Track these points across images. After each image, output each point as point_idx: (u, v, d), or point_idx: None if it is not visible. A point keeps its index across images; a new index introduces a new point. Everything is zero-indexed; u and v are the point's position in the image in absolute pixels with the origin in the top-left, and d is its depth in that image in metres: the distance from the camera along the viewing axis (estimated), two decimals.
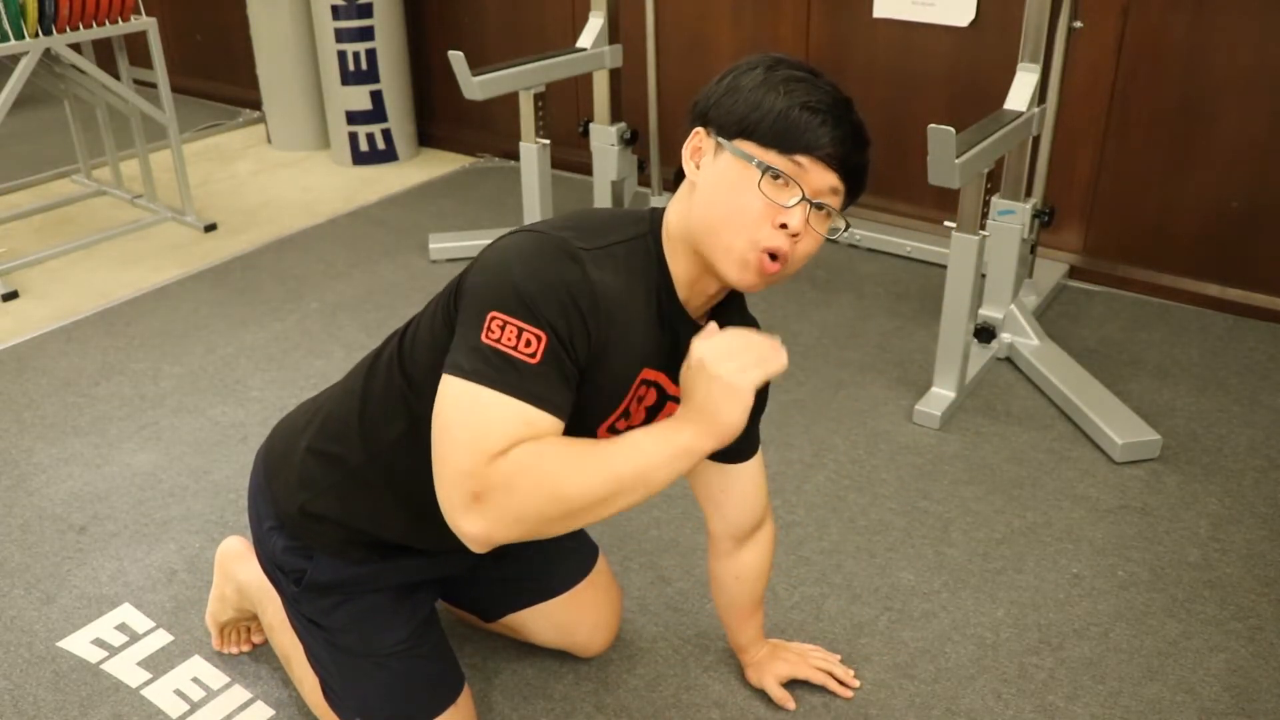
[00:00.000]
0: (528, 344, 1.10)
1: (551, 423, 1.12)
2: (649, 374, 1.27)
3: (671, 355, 1.27)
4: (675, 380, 1.30)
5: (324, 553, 1.43)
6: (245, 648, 1.76)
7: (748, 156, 1.15)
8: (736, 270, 1.18)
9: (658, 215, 1.26)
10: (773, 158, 1.15)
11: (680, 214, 1.23)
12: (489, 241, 1.24)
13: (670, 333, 1.26)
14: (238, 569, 1.69)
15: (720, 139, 1.18)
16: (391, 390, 1.33)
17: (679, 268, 1.24)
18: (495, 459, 1.08)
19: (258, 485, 1.52)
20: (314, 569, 1.44)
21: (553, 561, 1.66)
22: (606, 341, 1.17)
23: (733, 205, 1.16)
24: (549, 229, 1.19)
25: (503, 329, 1.10)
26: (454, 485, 1.09)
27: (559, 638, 1.69)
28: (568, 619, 1.67)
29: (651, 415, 1.32)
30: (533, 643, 1.72)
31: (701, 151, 1.21)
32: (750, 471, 1.48)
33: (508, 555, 1.49)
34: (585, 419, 1.23)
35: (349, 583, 1.44)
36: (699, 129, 1.22)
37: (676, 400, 1.31)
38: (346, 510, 1.41)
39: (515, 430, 1.09)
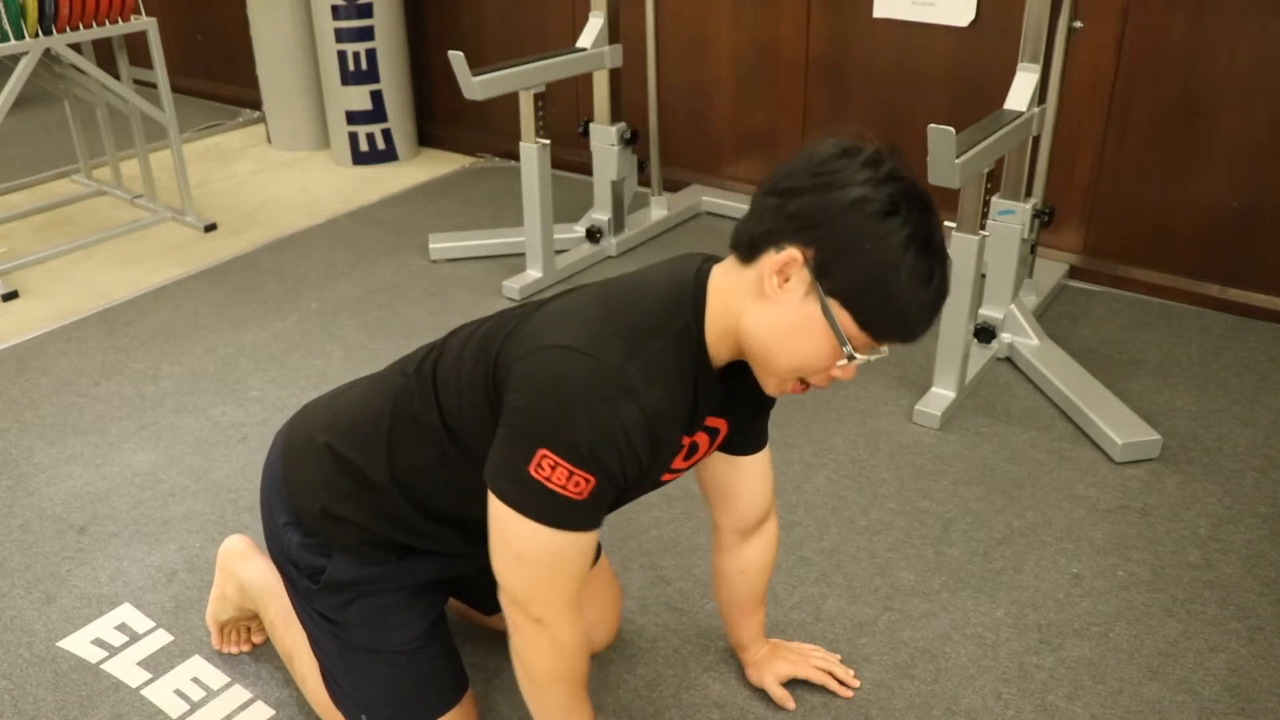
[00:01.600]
0: (576, 485, 1.15)
1: (593, 537, 1.24)
2: (684, 440, 1.30)
3: (697, 411, 1.28)
4: (705, 414, 1.31)
5: (342, 552, 1.44)
6: (245, 647, 1.76)
7: (841, 338, 1.15)
8: (771, 387, 1.24)
9: (701, 284, 1.22)
10: (863, 340, 1.16)
11: (740, 314, 1.20)
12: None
13: (700, 396, 1.26)
14: (240, 567, 1.69)
15: (820, 288, 1.13)
16: (424, 425, 1.35)
17: (721, 347, 1.23)
18: (570, 612, 1.25)
19: (273, 480, 1.52)
20: (333, 568, 1.44)
21: None
22: (655, 454, 1.20)
23: (800, 355, 1.18)
24: (600, 349, 1.15)
25: (553, 469, 1.14)
26: (526, 601, 1.24)
27: None
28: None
29: (692, 453, 1.35)
30: None
31: (788, 278, 1.15)
32: (758, 464, 1.50)
33: None
34: (628, 495, 1.30)
35: (365, 581, 1.44)
36: (796, 253, 1.13)
37: (706, 430, 1.34)
38: (367, 515, 1.41)
39: (578, 564, 1.24)
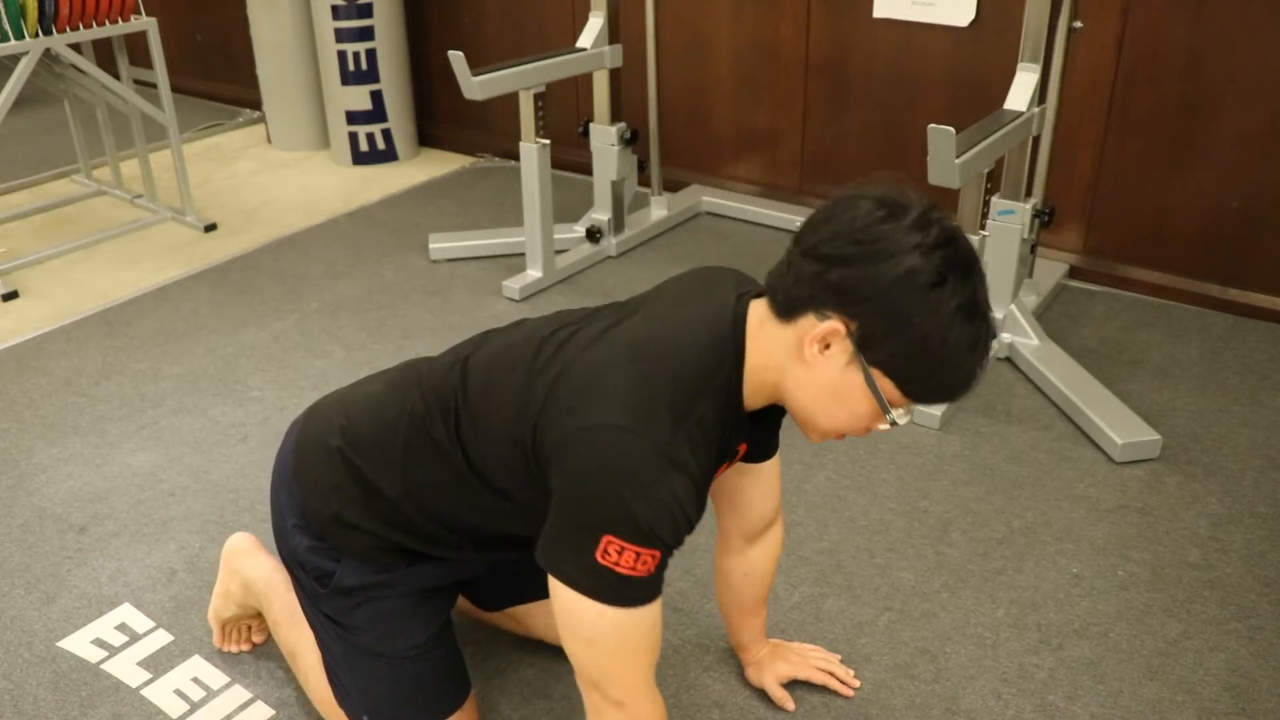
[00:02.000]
0: (644, 563, 1.16)
1: (659, 605, 1.23)
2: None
3: (729, 448, 1.28)
4: (735, 446, 1.31)
5: (351, 557, 1.43)
6: (245, 646, 1.76)
7: (884, 406, 1.15)
8: (814, 438, 1.25)
9: (740, 331, 1.20)
10: (905, 402, 1.16)
11: (780, 374, 1.19)
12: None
13: (732, 436, 1.27)
14: (245, 564, 1.69)
15: (863, 358, 1.12)
16: (442, 449, 1.33)
17: (758, 396, 1.23)
18: (649, 689, 1.26)
19: (283, 478, 1.51)
20: (342, 573, 1.43)
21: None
22: (702, 507, 1.21)
23: (842, 419, 1.19)
24: (647, 424, 1.13)
25: (620, 553, 1.14)
26: (604, 684, 1.24)
27: (534, 628, 1.71)
28: (544, 618, 1.69)
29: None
30: (529, 634, 1.73)
31: (830, 346, 1.13)
32: (769, 470, 1.49)
33: (525, 547, 1.54)
34: None
35: (374, 586, 1.44)
36: (839, 325, 1.11)
37: (730, 455, 1.33)
38: (377, 522, 1.41)
39: (652, 637, 1.24)
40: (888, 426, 1.18)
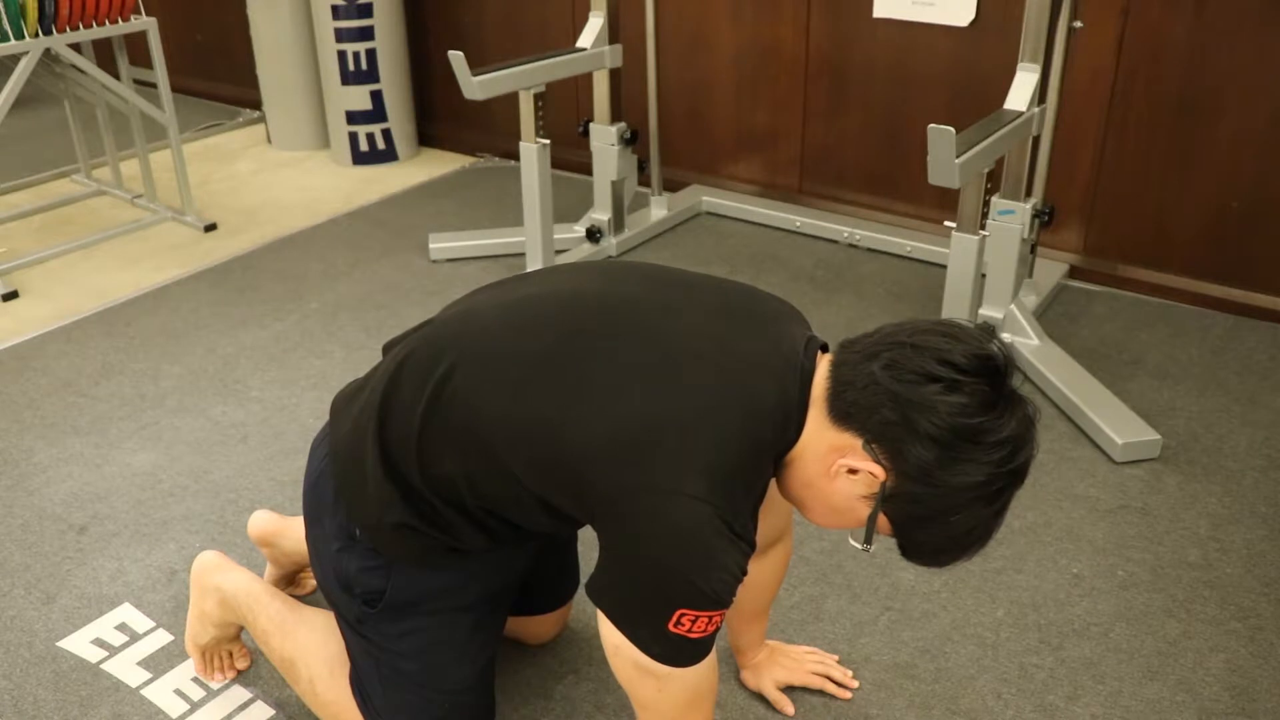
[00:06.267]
0: (713, 624, 1.20)
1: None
2: None
3: None
4: None
5: (403, 563, 1.39)
6: (230, 674, 1.71)
7: (871, 537, 1.18)
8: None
9: (805, 392, 1.19)
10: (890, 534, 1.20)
11: (796, 459, 1.21)
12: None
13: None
14: (221, 579, 1.64)
15: (880, 503, 1.14)
16: (446, 425, 1.29)
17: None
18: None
19: (321, 501, 1.44)
20: (394, 587, 1.39)
21: (554, 579, 1.70)
22: None
23: (827, 521, 1.25)
24: (722, 496, 1.14)
25: (693, 622, 1.18)
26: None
27: (516, 630, 1.73)
28: (534, 624, 1.72)
29: None
30: (518, 637, 1.75)
31: (854, 477, 1.15)
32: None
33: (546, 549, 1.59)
34: None
35: (430, 596, 1.41)
36: (881, 475, 1.12)
37: None
38: (419, 520, 1.34)
39: (713, 679, 1.30)
40: (860, 548, 1.21)
